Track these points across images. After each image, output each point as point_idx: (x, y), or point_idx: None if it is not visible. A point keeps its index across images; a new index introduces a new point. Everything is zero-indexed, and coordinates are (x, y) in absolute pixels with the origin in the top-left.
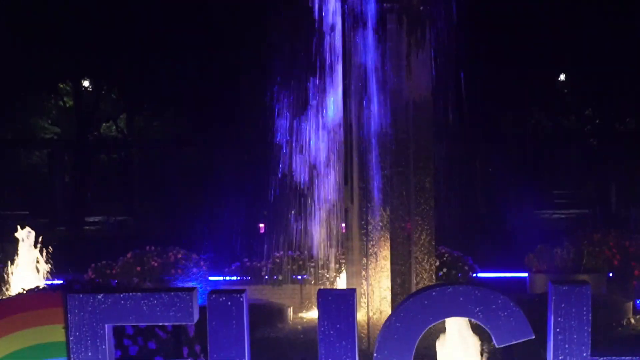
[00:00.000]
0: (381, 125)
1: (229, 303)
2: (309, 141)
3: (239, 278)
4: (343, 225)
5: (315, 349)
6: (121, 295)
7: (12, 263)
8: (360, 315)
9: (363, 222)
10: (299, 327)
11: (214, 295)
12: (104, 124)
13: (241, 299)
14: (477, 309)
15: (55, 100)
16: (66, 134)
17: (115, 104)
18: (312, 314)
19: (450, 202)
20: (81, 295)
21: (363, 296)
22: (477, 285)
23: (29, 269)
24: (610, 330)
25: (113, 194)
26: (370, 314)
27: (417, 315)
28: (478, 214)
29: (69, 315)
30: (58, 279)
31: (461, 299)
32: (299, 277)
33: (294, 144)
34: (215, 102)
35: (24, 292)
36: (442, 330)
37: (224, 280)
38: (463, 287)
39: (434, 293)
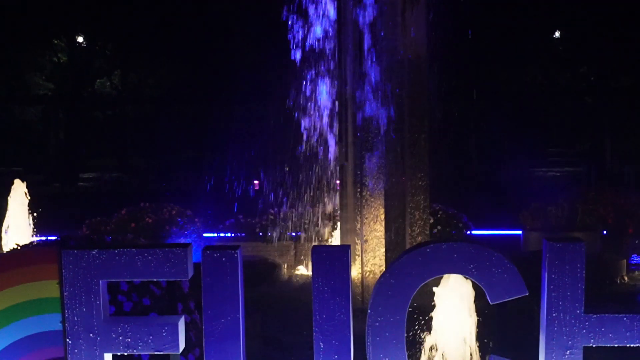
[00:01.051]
0: (376, 82)
1: (224, 259)
2: (304, 97)
3: (233, 235)
4: (338, 182)
5: (310, 306)
6: (116, 251)
7: (4, 219)
8: (355, 272)
9: (357, 179)
10: (293, 283)
11: (208, 252)
12: (98, 81)
13: (235, 255)
14: (471, 265)
15: (50, 56)
16: (61, 90)
17: (110, 60)
18: (306, 270)
19: (445, 160)
20: (75, 251)
21: (357, 253)
22: (472, 242)
23: (23, 225)
24: (604, 288)
25: (108, 150)
26: (365, 271)
27: (411, 271)
28: (473, 171)
29: (63, 271)
30: (52, 235)
31: (455, 255)
32: (293, 233)
33: (288, 100)
34: (210, 58)
35: (18, 247)
36: (437, 286)
37: (218, 236)
38: (457, 244)
39: (428, 250)
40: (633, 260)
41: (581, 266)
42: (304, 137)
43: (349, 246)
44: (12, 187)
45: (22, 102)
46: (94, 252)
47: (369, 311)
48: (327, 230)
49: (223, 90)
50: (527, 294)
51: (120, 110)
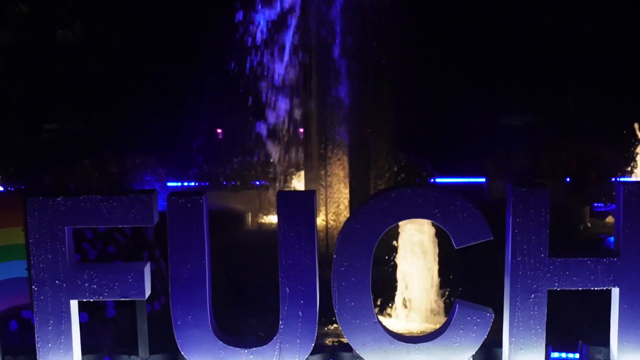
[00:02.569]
0: (340, 29)
1: (189, 205)
2: (267, 43)
3: (197, 184)
4: (301, 130)
5: (275, 253)
6: (81, 198)
7: None
8: (319, 221)
9: (321, 128)
10: (258, 231)
11: (173, 197)
12: (60, 31)
13: (201, 201)
14: (436, 210)
15: (11, 6)
16: (22, 41)
17: (72, 11)
18: (270, 218)
19: (409, 108)
20: (40, 198)
21: (322, 201)
22: (436, 187)
23: None
24: (567, 235)
25: (71, 101)
26: (329, 219)
27: (376, 216)
28: (436, 119)
29: (28, 218)
30: (15, 186)
31: (420, 200)
32: (257, 182)
33: (251, 45)
34: (170, 6)
35: None
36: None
37: (182, 185)
38: (422, 188)
39: (393, 194)
40: (596, 207)
41: (545, 210)
42: (269, 85)
43: (314, 191)
44: None
45: None
46: (59, 199)
47: (334, 256)
48: (291, 178)
49: (184, 39)
50: (492, 239)
51: (83, 61)
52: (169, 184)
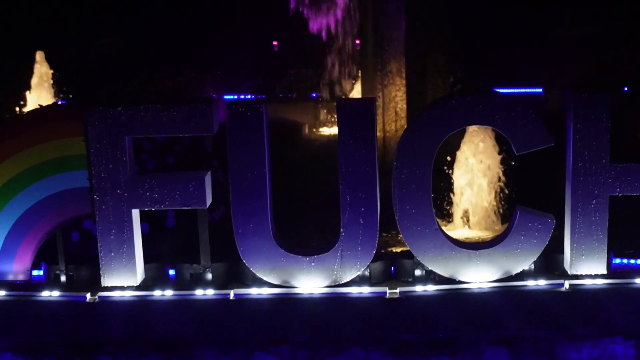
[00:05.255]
0: None
1: (249, 114)
2: None
3: (252, 96)
4: (358, 42)
5: (334, 162)
6: (141, 107)
7: (28, 85)
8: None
9: (378, 39)
10: (315, 142)
11: (233, 106)
12: None
13: (261, 110)
14: (496, 116)
15: None
16: None
17: None
18: (326, 130)
19: (463, 19)
20: (100, 108)
21: (379, 112)
22: (496, 93)
23: (44, 89)
24: (625, 143)
25: (127, 15)
26: (386, 131)
27: (436, 123)
28: (492, 30)
29: (88, 128)
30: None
31: (480, 107)
32: (313, 94)
33: None
34: None
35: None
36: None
37: (238, 98)
38: (482, 95)
39: (453, 102)
40: None
41: (606, 115)
42: None
43: (374, 98)
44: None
45: None
46: (119, 109)
47: (394, 164)
48: (348, 89)
49: None
50: (552, 145)
51: None
52: (225, 96)
